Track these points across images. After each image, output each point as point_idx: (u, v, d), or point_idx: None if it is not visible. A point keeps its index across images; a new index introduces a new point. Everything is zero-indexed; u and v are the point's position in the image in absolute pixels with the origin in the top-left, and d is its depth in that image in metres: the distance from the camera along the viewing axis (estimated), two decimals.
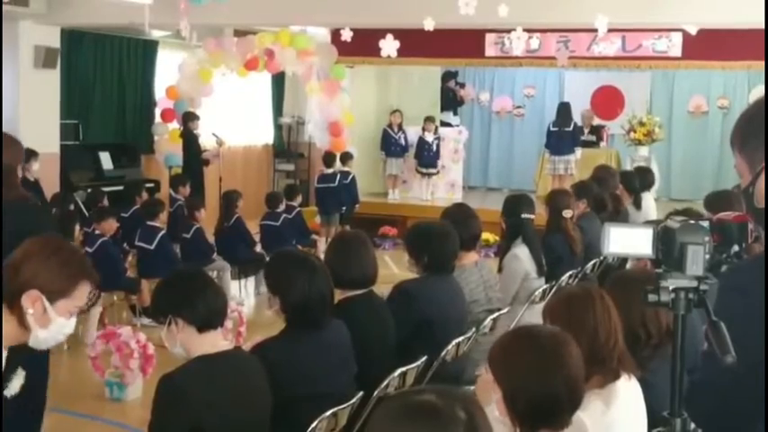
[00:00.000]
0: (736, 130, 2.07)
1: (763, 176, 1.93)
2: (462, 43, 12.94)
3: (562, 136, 14.12)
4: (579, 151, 14.11)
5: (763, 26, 7.67)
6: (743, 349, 1.79)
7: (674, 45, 12.50)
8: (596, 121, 15.52)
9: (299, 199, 11.22)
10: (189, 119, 12.12)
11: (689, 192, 15.43)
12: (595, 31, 9.64)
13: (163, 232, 8.78)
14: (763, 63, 10.67)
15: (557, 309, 2.97)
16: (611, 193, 7.29)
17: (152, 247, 8.59)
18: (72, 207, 9.48)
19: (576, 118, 14.72)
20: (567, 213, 6.22)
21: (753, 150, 1.98)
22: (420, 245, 4.61)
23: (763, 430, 1.94)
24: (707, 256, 1.94)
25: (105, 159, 12.52)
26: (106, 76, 13.23)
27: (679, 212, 3.55)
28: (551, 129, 14.34)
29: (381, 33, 10.87)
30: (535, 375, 2.30)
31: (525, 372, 2.31)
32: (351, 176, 12.45)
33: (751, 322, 1.90)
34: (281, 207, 10.38)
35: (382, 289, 4.40)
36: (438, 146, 14.38)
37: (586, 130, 14.90)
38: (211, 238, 9.63)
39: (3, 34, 10.89)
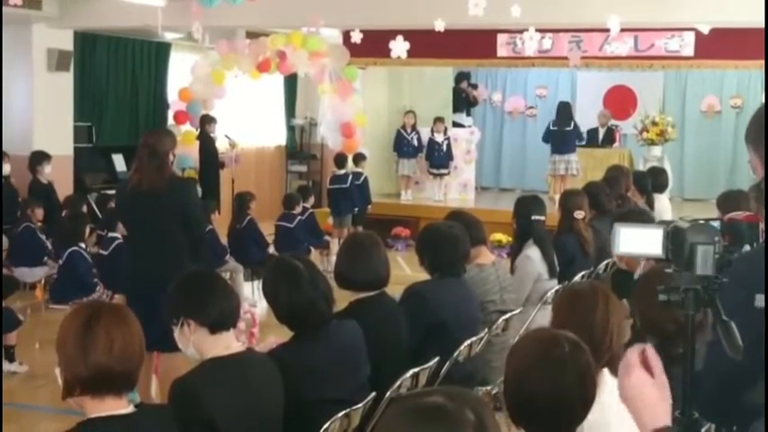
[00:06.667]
0: (750, 126, 2.09)
1: None
2: (474, 44, 12.92)
3: (562, 135, 14.06)
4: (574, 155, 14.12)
5: None
6: (743, 337, 1.81)
7: (686, 44, 12.44)
8: (612, 122, 15.41)
9: (312, 200, 11.24)
10: (206, 122, 12.14)
11: (702, 191, 15.38)
12: (608, 30, 9.62)
13: None
14: None
15: (561, 304, 3.05)
16: (620, 194, 7.24)
17: None
18: (85, 209, 9.51)
19: (592, 119, 14.70)
20: (579, 214, 6.21)
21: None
22: (427, 248, 4.63)
23: (760, 413, 1.97)
24: (717, 256, 1.94)
25: (118, 161, 12.56)
26: (119, 79, 13.30)
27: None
28: (551, 128, 14.24)
29: (392, 34, 10.87)
30: (524, 376, 2.35)
31: (519, 368, 2.37)
32: (363, 177, 12.43)
33: (748, 311, 1.94)
34: (298, 209, 10.39)
35: (395, 290, 4.40)
36: (448, 146, 14.34)
37: (602, 131, 14.81)
38: (224, 240, 9.64)
39: (16, 38, 10.96)
